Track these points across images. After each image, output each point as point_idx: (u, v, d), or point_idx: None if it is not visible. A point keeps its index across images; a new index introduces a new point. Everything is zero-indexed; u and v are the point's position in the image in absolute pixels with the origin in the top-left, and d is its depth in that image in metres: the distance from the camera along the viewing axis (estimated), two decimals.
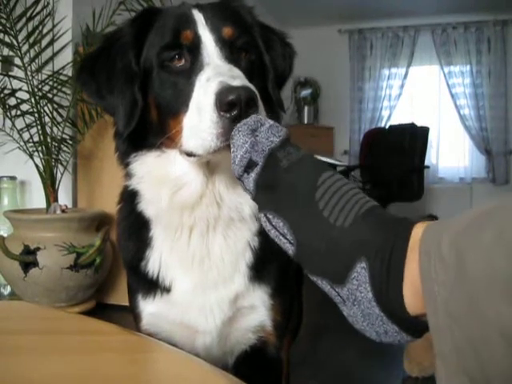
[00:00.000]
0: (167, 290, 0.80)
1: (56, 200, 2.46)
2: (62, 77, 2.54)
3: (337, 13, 5.90)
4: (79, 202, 2.76)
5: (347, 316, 0.58)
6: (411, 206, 5.11)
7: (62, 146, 2.50)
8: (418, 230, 0.56)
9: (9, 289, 2.58)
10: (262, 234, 0.78)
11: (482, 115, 5.76)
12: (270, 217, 0.61)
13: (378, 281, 0.55)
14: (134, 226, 0.84)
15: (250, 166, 0.61)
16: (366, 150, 5.11)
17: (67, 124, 2.52)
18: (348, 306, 0.57)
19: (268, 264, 0.81)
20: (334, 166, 5.48)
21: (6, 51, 2.48)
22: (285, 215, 0.60)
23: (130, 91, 0.74)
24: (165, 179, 0.75)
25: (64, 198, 2.63)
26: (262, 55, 0.79)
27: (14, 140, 2.48)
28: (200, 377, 0.55)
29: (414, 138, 4.55)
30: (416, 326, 0.53)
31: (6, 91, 2.45)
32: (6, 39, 2.42)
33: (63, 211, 2.44)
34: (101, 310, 2.54)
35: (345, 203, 0.58)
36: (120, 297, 2.68)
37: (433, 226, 0.54)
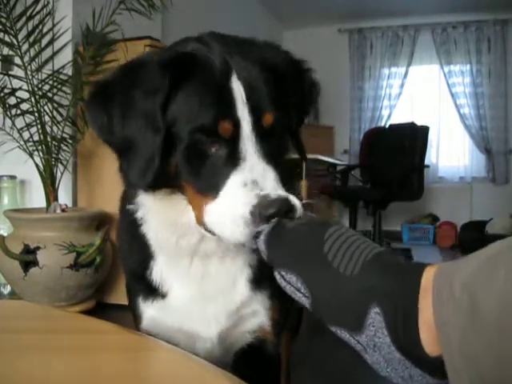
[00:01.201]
0: (163, 295, 0.84)
1: (56, 199, 2.46)
2: (61, 76, 2.54)
3: (337, 12, 5.90)
4: (79, 201, 2.76)
5: (371, 364, 0.59)
6: (411, 205, 5.11)
7: (62, 145, 2.50)
8: (429, 273, 0.56)
9: (9, 288, 2.58)
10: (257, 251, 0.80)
11: (482, 114, 5.76)
12: (283, 273, 0.63)
13: (393, 325, 0.55)
14: (136, 241, 0.85)
15: (258, 233, 0.64)
16: (366, 149, 5.11)
17: (67, 123, 2.52)
18: (370, 353, 0.58)
19: (267, 273, 0.80)
20: (334, 166, 5.49)
21: (5, 50, 2.48)
22: (297, 270, 0.61)
23: (151, 142, 0.67)
24: (172, 224, 0.76)
25: (64, 197, 2.62)
26: (290, 114, 0.75)
27: (13, 139, 2.48)
28: (200, 376, 0.55)
29: (414, 138, 4.55)
30: (439, 368, 0.53)
31: (6, 90, 2.45)
32: (6, 38, 2.41)
33: (63, 210, 2.44)
34: (101, 310, 2.54)
35: (352, 252, 0.60)
36: (120, 296, 2.68)
37: (444, 268, 0.54)
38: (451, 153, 5.96)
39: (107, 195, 2.68)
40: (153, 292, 0.85)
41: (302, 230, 0.63)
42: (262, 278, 0.84)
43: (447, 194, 5.85)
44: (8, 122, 2.48)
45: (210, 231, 0.70)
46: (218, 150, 0.67)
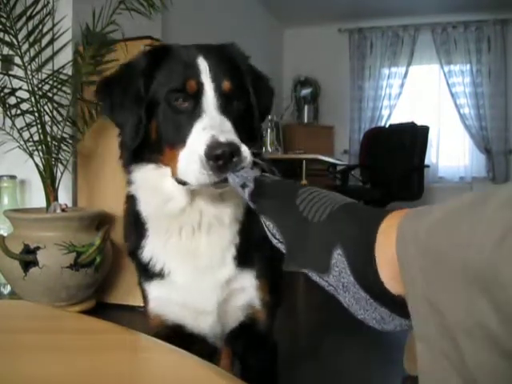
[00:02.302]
0: (162, 275, 0.94)
1: (56, 199, 2.46)
2: (61, 76, 2.54)
3: (337, 12, 5.90)
4: (79, 201, 2.76)
5: (346, 306, 0.62)
6: (411, 205, 5.11)
7: (62, 145, 2.50)
8: (391, 216, 0.60)
9: (9, 288, 2.58)
10: (241, 233, 0.94)
11: (482, 114, 5.76)
12: (264, 220, 0.71)
13: (354, 264, 0.60)
14: (134, 222, 0.97)
15: (243, 186, 0.76)
16: (366, 149, 5.11)
17: (67, 123, 2.52)
18: (341, 294, 0.62)
19: (252, 254, 0.95)
20: (334, 166, 5.49)
21: (5, 50, 2.48)
22: (273, 218, 0.70)
23: (137, 112, 0.88)
24: (157, 190, 0.89)
25: (64, 197, 2.63)
26: (249, 99, 0.93)
27: (13, 139, 2.48)
28: (200, 376, 0.55)
29: (413, 137, 4.55)
30: (404, 308, 0.54)
31: (6, 90, 2.45)
32: (6, 38, 2.41)
33: (63, 210, 2.44)
34: (101, 310, 2.54)
35: (321, 204, 0.66)
36: (120, 296, 2.69)
37: (410, 213, 0.57)
38: (451, 153, 5.96)
39: (107, 195, 2.68)
40: (151, 272, 0.95)
41: (279, 183, 0.74)
42: (247, 257, 0.95)
43: (447, 193, 5.85)
44: (8, 121, 2.48)
45: (181, 182, 0.82)
46: (186, 106, 0.84)
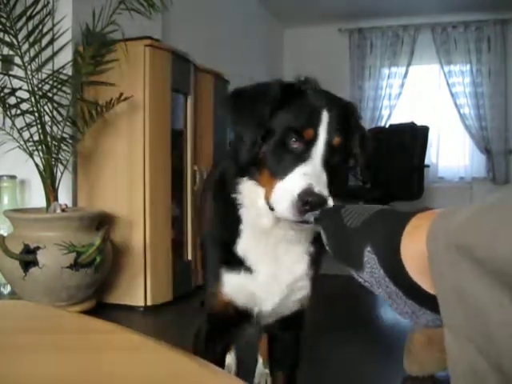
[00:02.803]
0: (250, 270, 1.09)
1: (56, 199, 2.46)
2: (61, 76, 2.54)
3: (337, 12, 5.90)
4: (79, 201, 2.76)
5: (385, 300, 0.70)
6: (411, 205, 5.11)
7: (62, 145, 2.50)
8: (418, 217, 0.66)
9: (9, 288, 2.59)
10: (314, 244, 1.13)
11: (482, 114, 5.76)
12: (321, 232, 0.86)
13: (383, 259, 0.67)
14: (232, 219, 1.09)
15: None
16: None
17: (67, 123, 2.52)
18: (375, 289, 0.70)
19: (316, 260, 1.15)
20: None
21: (5, 50, 2.48)
22: (324, 228, 0.85)
23: (256, 134, 0.98)
24: (254, 205, 1.04)
25: (64, 197, 2.63)
26: (350, 152, 1.05)
27: (13, 139, 2.48)
28: (199, 376, 0.55)
29: (413, 138, 4.55)
30: (434, 302, 0.57)
31: (6, 90, 2.45)
32: (6, 38, 2.42)
33: (63, 210, 2.44)
34: (101, 310, 2.54)
35: (360, 212, 0.77)
36: (120, 296, 2.69)
37: (441, 212, 0.60)
38: (451, 153, 5.96)
39: (107, 195, 2.68)
40: (237, 264, 1.10)
41: (332, 209, 0.88)
42: (313, 263, 1.14)
43: (447, 194, 5.85)
44: (8, 121, 2.48)
45: (271, 208, 0.96)
46: (297, 147, 0.96)
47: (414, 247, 0.62)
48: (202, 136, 3.21)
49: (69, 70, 2.60)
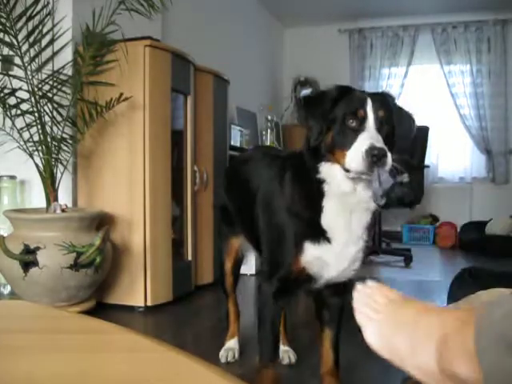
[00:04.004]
0: (329, 240, 1.33)
1: (56, 199, 2.46)
2: (61, 76, 2.54)
3: (337, 12, 5.90)
4: (79, 201, 2.76)
5: None
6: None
7: (62, 145, 2.50)
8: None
9: (9, 288, 2.58)
10: (371, 222, 1.37)
11: (482, 114, 5.76)
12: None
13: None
14: (312, 197, 1.34)
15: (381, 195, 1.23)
16: None
17: (67, 123, 2.52)
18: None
19: (368, 234, 1.39)
20: None
21: (5, 50, 2.48)
22: None
23: (321, 124, 1.29)
24: (335, 177, 1.29)
25: (64, 197, 2.63)
26: (394, 128, 1.33)
27: (13, 139, 2.48)
28: (200, 376, 0.55)
29: (413, 138, 4.54)
30: None
31: (6, 90, 2.45)
32: (6, 38, 2.41)
33: (63, 210, 2.44)
34: (101, 310, 2.54)
35: None
36: (120, 296, 2.69)
37: (481, 311, 0.66)
38: (451, 153, 5.96)
39: (107, 195, 2.68)
40: (319, 236, 1.33)
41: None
42: (367, 236, 1.39)
43: (447, 194, 5.85)
44: (8, 122, 2.48)
45: (347, 170, 1.22)
46: (355, 125, 1.25)
47: (460, 347, 0.68)
48: (202, 136, 3.21)
49: (69, 71, 2.60)
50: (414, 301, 0.93)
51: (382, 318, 0.91)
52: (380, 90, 1.48)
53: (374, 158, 1.16)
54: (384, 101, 1.34)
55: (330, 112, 1.30)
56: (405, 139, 1.41)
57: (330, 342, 1.50)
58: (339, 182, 1.29)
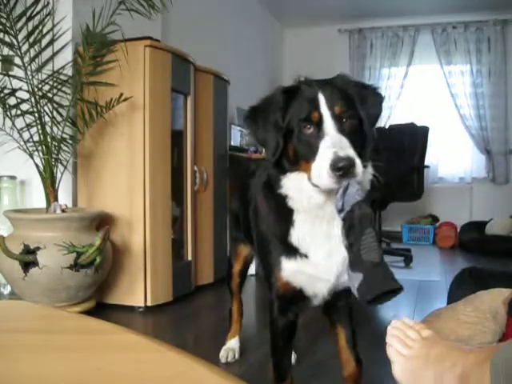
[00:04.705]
0: (305, 255, 1.23)
1: (56, 199, 2.46)
2: (61, 76, 2.54)
3: (337, 12, 5.90)
4: (79, 201, 2.76)
5: None
6: (411, 205, 5.11)
7: (62, 145, 2.50)
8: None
9: (9, 288, 2.58)
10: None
11: (482, 115, 5.76)
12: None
13: None
14: (281, 213, 1.25)
15: (340, 210, 1.09)
16: None
17: (67, 123, 2.52)
18: None
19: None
20: None
21: (5, 51, 2.48)
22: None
23: (275, 137, 1.17)
24: (302, 190, 1.16)
25: (64, 197, 2.63)
26: (359, 114, 1.17)
27: (13, 139, 2.48)
28: (201, 376, 0.55)
29: (413, 138, 4.54)
30: None
31: (6, 91, 2.45)
32: (6, 39, 2.42)
33: (63, 211, 2.44)
34: (101, 310, 2.54)
35: None
36: (120, 296, 2.69)
37: (498, 349, 0.73)
38: (451, 153, 5.96)
39: (107, 195, 2.68)
40: (294, 251, 1.23)
41: (361, 217, 1.09)
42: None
43: (447, 194, 5.85)
44: (8, 122, 2.48)
45: (315, 185, 1.10)
46: (312, 131, 1.11)
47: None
48: (202, 136, 3.21)
49: (69, 71, 2.60)
50: (444, 339, 1.01)
51: (412, 353, 0.98)
52: (334, 76, 1.26)
53: (341, 171, 1.02)
54: (338, 89, 1.17)
55: (282, 121, 1.17)
56: (373, 120, 1.24)
57: (344, 339, 1.40)
58: (310, 195, 1.15)
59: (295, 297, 1.29)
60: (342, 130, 1.10)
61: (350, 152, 1.04)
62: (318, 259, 1.23)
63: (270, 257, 1.30)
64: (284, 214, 1.24)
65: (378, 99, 1.31)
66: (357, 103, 1.19)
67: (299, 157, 1.14)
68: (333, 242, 1.21)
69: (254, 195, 1.43)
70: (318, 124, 1.11)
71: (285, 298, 1.31)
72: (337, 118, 1.11)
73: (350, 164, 1.02)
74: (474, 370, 0.77)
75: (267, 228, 1.32)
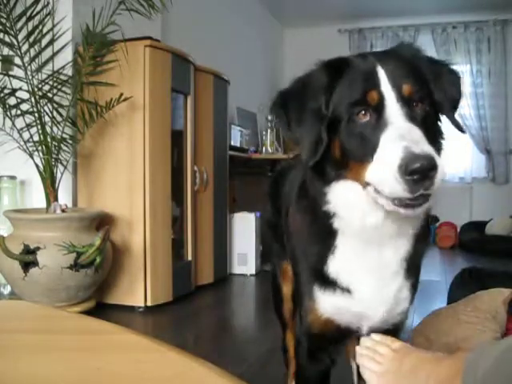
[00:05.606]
0: (348, 290, 0.95)
1: (56, 199, 2.46)
2: (61, 76, 2.54)
3: (337, 12, 5.90)
4: (79, 201, 2.76)
5: None
6: None
7: (62, 145, 2.50)
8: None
9: (9, 288, 2.58)
10: (413, 247, 0.95)
11: (482, 115, 5.76)
12: None
13: None
14: (320, 234, 0.96)
15: None
16: None
17: (67, 123, 2.52)
18: None
19: (414, 262, 0.98)
20: None
21: (6, 51, 2.48)
22: None
23: (316, 130, 0.85)
24: (355, 206, 0.86)
25: (64, 197, 2.63)
26: (433, 96, 0.87)
27: (14, 139, 2.48)
28: (201, 376, 0.55)
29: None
30: None
31: (6, 91, 2.45)
32: (6, 39, 2.41)
33: (63, 211, 2.44)
34: (101, 310, 2.54)
35: None
36: (120, 296, 2.69)
37: (471, 356, 0.74)
38: (451, 153, 5.95)
39: (107, 195, 2.68)
40: (332, 284, 0.95)
41: None
42: (412, 266, 0.97)
43: (447, 194, 5.84)
44: (8, 122, 2.48)
45: (374, 190, 0.79)
46: (369, 118, 0.80)
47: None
48: (202, 136, 3.21)
49: (69, 71, 2.60)
50: (416, 350, 0.96)
51: (384, 369, 0.93)
52: (397, 45, 0.94)
53: (417, 174, 0.70)
54: (405, 62, 0.85)
55: (326, 107, 0.85)
56: (452, 103, 0.93)
57: None
58: (364, 212, 0.85)
59: (333, 337, 1.01)
60: (412, 117, 0.78)
61: (428, 148, 0.72)
62: (365, 295, 0.95)
63: (300, 281, 1.03)
64: (323, 237, 0.95)
65: (457, 79, 0.94)
66: (430, 82, 0.87)
67: (349, 156, 0.83)
68: (385, 272, 0.94)
69: (286, 203, 1.17)
70: (378, 109, 0.80)
71: (316, 337, 1.01)
72: (405, 101, 0.79)
73: (431, 165, 0.70)
74: (446, 383, 0.78)
75: (298, 246, 1.04)
